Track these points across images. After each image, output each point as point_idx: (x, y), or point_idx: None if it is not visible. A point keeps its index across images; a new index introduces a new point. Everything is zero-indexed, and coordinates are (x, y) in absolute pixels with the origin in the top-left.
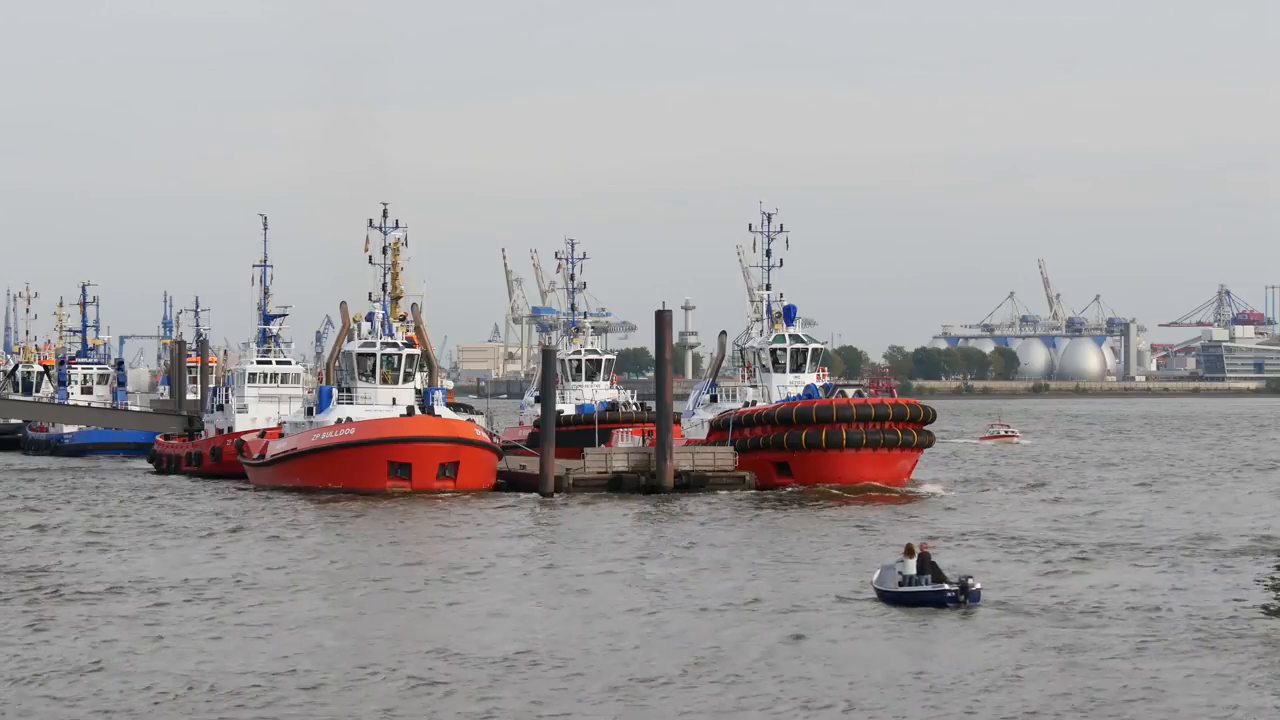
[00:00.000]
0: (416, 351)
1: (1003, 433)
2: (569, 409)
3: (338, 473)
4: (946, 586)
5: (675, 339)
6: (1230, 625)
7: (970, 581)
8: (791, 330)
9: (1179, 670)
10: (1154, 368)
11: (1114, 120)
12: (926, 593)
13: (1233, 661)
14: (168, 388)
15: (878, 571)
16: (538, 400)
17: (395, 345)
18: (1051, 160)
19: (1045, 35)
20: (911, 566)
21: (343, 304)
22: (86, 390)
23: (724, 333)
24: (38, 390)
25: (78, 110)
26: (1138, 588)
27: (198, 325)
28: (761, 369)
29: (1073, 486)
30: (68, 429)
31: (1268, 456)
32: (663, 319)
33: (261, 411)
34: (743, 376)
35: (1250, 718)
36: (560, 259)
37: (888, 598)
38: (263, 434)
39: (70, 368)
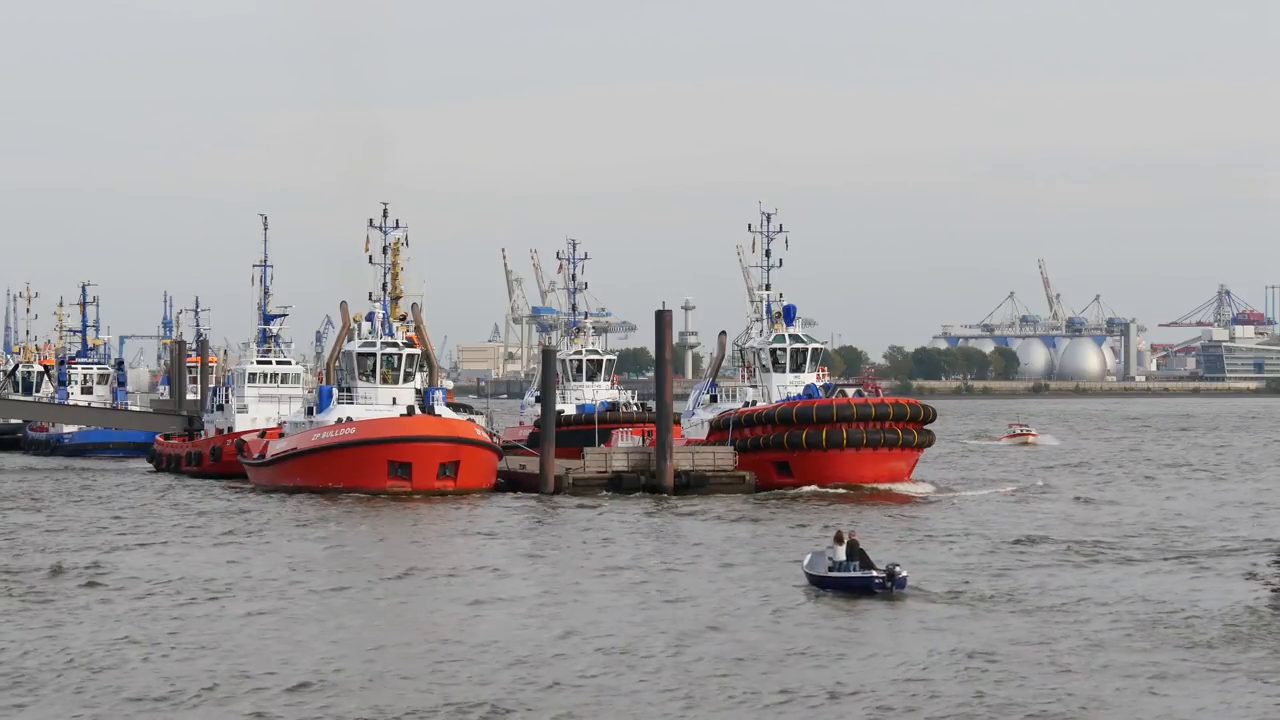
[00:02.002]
0: (416, 351)
1: (1019, 432)
2: (569, 409)
3: (338, 472)
4: (874, 573)
5: (675, 339)
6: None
7: (897, 569)
8: (791, 330)
9: (1088, 664)
10: (1154, 368)
11: (1114, 120)
12: (854, 578)
13: (1164, 658)
14: (168, 388)
15: (808, 557)
16: (538, 400)
17: (395, 345)
18: (1051, 160)
19: (1046, 35)
20: (841, 553)
21: (343, 304)
22: (86, 390)
23: (724, 333)
24: (38, 390)
25: (77, 109)
26: (1099, 584)
27: (198, 325)
28: (761, 369)
29: (1098, 484)
30: (68, 429)
31: None
32: (663, 319)
33: (261, 411)
34: (743, 376)
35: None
36: (561, 259)
37: (818, 582)
38: (263, 434)
39: (70, 368)
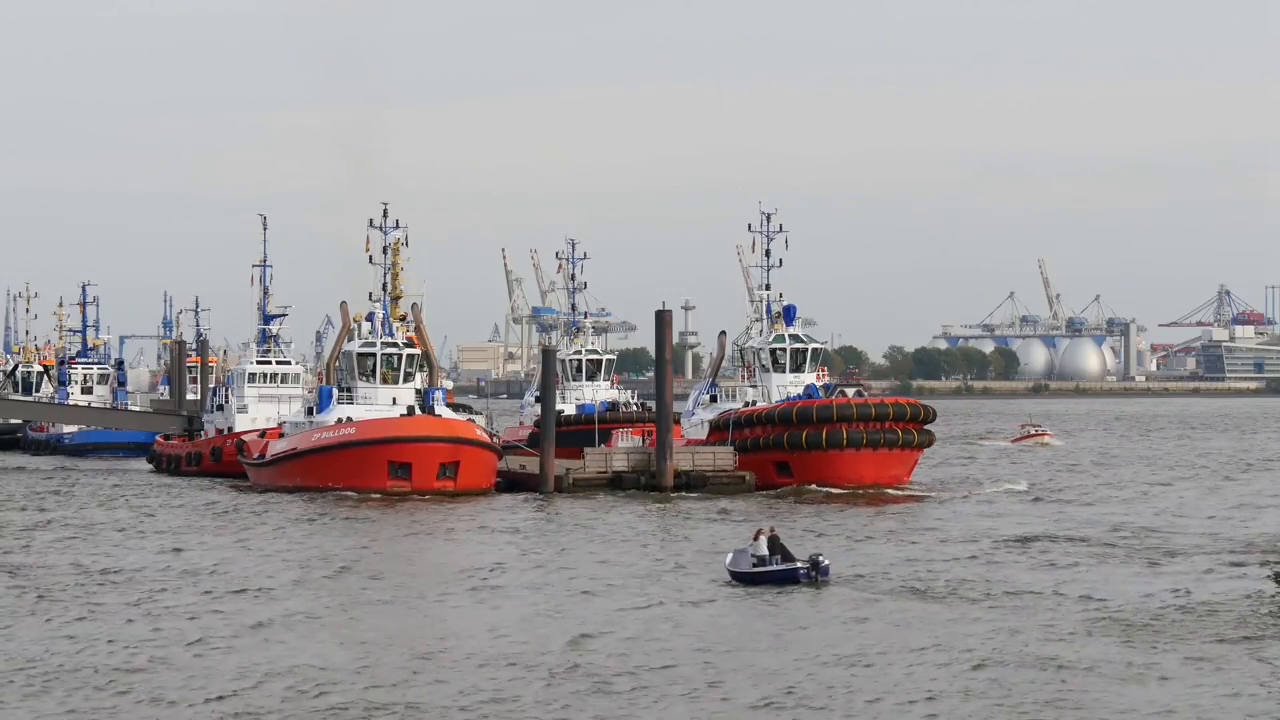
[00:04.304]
0: (416, 351)
1: (1032, 432)
2: (569, 409)
3: (338, 473)
4: (799, 565)
5: (675, 339)
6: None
7: (820, 558)
8: (791, 330)
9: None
10: (1154, 368)
11: (1114, 120)
12: (780, 571)
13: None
14: (168, 388)
15: (730, 554)
16: (538, 400)
17: (395, 345)
18: (1051, 160)
19: (1046, 35)
20: (762, 547)
21: (343, 304)
22: (86, 390)
23: (724, 333)
24: (38, 390)
25: (77, 109)
26: (1054, 580)
27: (198, 325)
28: (761, 369)
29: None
30: (68, 429)
31: None
32: (663, 319)
33: (261, 411)
34: (742, 376)
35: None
36: (560, 259)
37: (743, 579)
38: (263, 434)
39: (70, 368)
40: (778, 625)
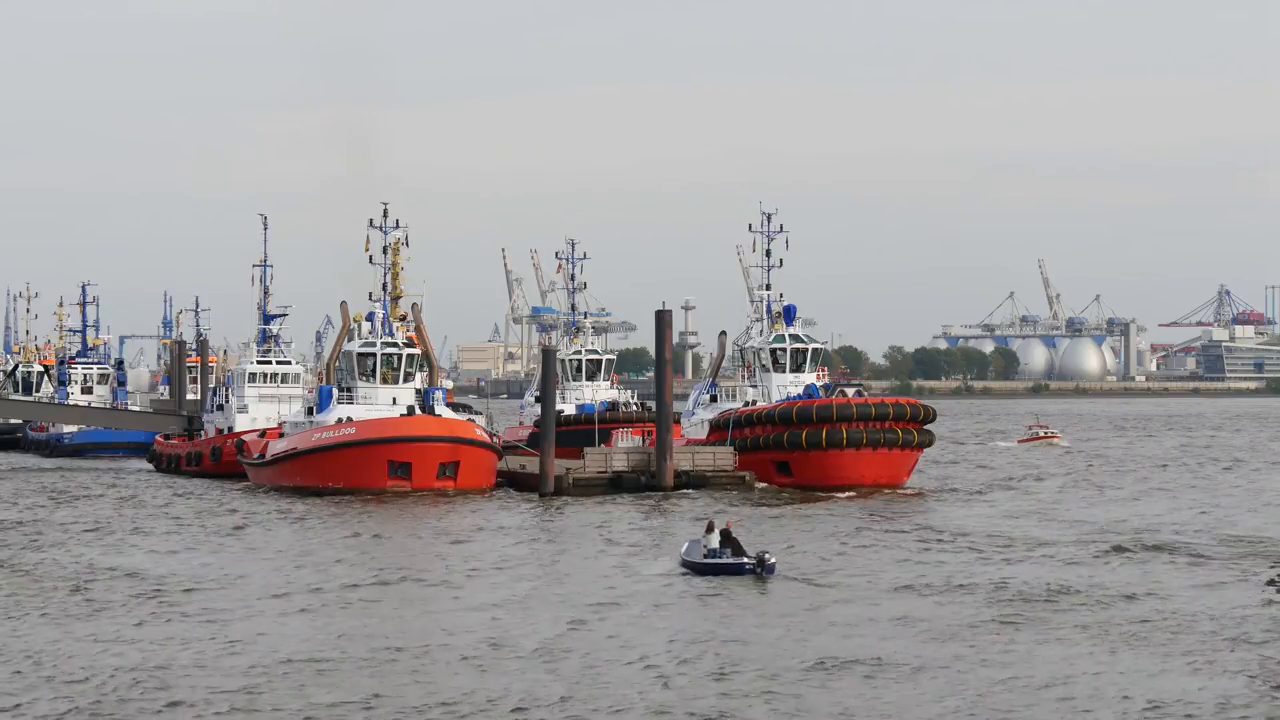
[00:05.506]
0: (416, 351)
1: (1040, 434)
2: (569, 409)
3: (338, 472)
4: (746, 559)
5: (675, 339)
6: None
7: (766, 556)
8: (791, 330)
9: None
10: (1154, 368)
11: (1114, 120)
12: (728, 564)
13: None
14: (168, 388)
15: (685, 545)
16: (538, 400)
17: (395, 345)
18: (1051, 160)
19: (1046, 35)
20: (714, 540)
21: (343, 304)
22: (86, 390)
23: (724, 333)
24: (38, 390)
25: (77, 109)
26: (993, 574)
27: (198, 325)
28: (761, 369)
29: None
30: (68, 429)
31: None
32: (663, 319)
33: (261, 411)
34: (743, 376)
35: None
36: (560, 259)
37: (694, 568)
38: (263, 434)
39: (70, 368)
40: (723, 618)
